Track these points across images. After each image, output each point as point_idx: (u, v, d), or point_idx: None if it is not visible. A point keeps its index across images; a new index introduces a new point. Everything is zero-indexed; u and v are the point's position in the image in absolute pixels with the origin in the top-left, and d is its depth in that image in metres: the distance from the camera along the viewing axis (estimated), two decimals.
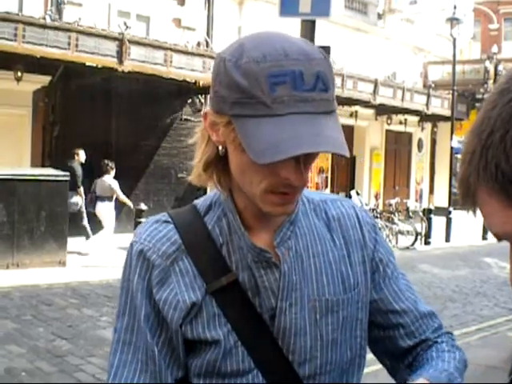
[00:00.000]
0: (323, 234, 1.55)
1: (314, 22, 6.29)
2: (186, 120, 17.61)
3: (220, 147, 1.39)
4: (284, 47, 1.28)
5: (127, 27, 14.66)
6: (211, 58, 16.19)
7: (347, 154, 1.27)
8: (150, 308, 1.47)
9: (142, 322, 1.47)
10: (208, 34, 18.15)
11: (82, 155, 14.15)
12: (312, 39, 6.20)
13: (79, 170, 13.87)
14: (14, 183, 12.20)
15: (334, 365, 1.52)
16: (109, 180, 13.97)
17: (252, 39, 1.33)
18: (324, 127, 1.26)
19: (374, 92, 20.83)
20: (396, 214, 19.64)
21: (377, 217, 18.88)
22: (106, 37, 14.67)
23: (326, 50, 6.44)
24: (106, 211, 13.94)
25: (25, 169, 13.87)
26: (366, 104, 21.30)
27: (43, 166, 15.26)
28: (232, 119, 1.30)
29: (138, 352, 1.47)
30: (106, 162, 14.04)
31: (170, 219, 1.53)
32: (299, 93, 1.25)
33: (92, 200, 14.02)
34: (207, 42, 17.86)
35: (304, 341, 1.48)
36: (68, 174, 12.70)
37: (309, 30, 6.20)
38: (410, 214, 20.59)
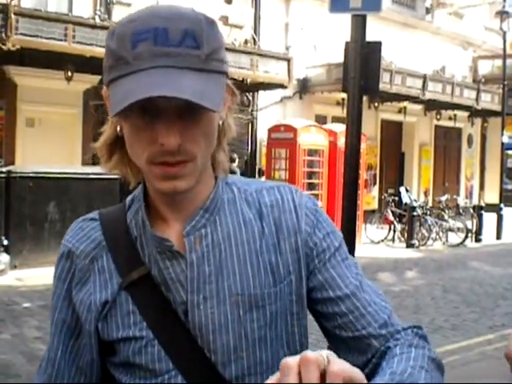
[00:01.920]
0: (251, 223, 1.42)
1: (364, 17, 6.22)
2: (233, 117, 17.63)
3: (118, 127, 1.32)
4: (156, 9, 1.25)
5: None
6: (259, 55, 16.22)
7: (207, 105, 1.18)
8: (65, 312, 1.43)
9: (54, 325, 1.45)
10: (255, 31, 18.16)
11: None
12: (363, 35, 6.15)
13: None
14: (66, 181, 12.41)
15: (266, 365, 1.38)
16: None
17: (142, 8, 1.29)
18: (183, 79, 1.19)
19: (423, 87, 20.60)
20: (446, 211, 19.41)
21: (426, 213, 18.71)
22: None
23: (378, 45, 6.40)
24: None
25: (76, 167, 14.06)
26: (414, 99, 21.07)
27: (94, 164, 15.45)
28: (109, 86, 1.26)
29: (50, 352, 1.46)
30: None
31: (97, 216, 1.47)
32: (159, 48, 1.20)
33: None
34: (254, 40, 17.86)
35: (226, 339, 1.34)
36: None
37: (359, 25, 6.13)
38: (461, 210, 20.35)
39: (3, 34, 12.34)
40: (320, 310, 1.41)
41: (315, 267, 1.41)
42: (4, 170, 12.41)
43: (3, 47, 12.36)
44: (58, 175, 12.37)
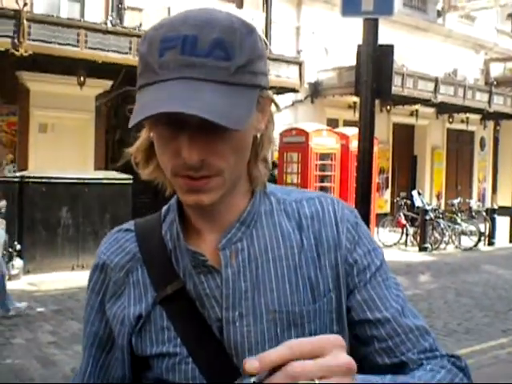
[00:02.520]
0: (290, 236, 1.34)
1: (376, 21, 6.22)
2: None
3: (151, 133, 1.27)
4: (188, 14, 1.19)
5: None
6: (270, 59, 16.21)
7: (225, 123, 1.09)
8: (97, 325, 1.40)
9: (86, 338, 1.43)
10: (266, 35, 18.17)
11: None
12: (375, 38, 6.14)
13: None
14: (78, 186, 12.46)
15: None
16: None
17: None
18: (205, 93, 1.12)
19: (435, 90, 20.54)
20: (459, 214, 19.35)
21: (439, 217, 18.66)
22: None
23: (390, 48, 6.39)
24: None
25: (89, 172, 14.11)
26: (426, 103, 21.01)
27: (106, 169, 15.49)
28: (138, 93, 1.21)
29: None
30: None
31: (132, 227, 1.42)
32: (186, 57, 1.13)
33: None
34: (266, 44, 17.88)
35: None
36: (131, 176, 12.89)
37: (371, 28, 6.13)
38: (473, 214, 20.27)
39: (16, 40, 12.40)
40: (357, 332, 1.34)
41: (355, 286, 1.34)
42: (17, 175, 12.50)
43: (16, 53, 12.42)
44: (71, 180, 12.42)
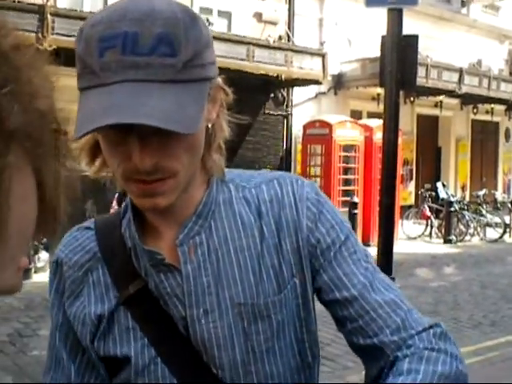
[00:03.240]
0: (250, 224, 1.29)
1: (400, 11, 6.16)
2: (268, 114, 17.63)
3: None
4: (127, 7, 1.09)
5: (210, 23, 14.78)
6: (293, 51, 16.18)
7: (176, 129, 1.03)
8: (65, 323, 1.34)
9: (57, 340, 1.35)
10: (289, 27, 18.11)
11: None
12: (399, 29, 6.10)
13: None
14: (103, 180, 12.52)
15: (278, 378, 1.28)
16: None
17: (111, 4, 1.14)
18: (152, 97, 1.05)
19: (460, 81, 20.37)
20: (484, 206, 19.21)
21: (464, 209, 18.56)
22: None
23: (414, 38, 6.35)
24: None
25: None
26: (451, 94, 20.85)
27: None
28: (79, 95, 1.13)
29: (63, 372, 1.34)
30: None
31: (92, 225, 1.37)
32: (129, 57, 1.05)
33: None
34: (288, 36, 17.83)
35: (232, 354, 1.25)
36: None
37: (396, 19, 6.08)
38: (498, 205, 20.12)
39: (40, 35, 12.47)
40: (331, 312, 1.31)
41: (320, 266, 1.29)
42: None
43: (40, 47, 12.45)
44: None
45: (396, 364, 1.19)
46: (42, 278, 10.99)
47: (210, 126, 1.24)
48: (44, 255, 11.78)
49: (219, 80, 1.25)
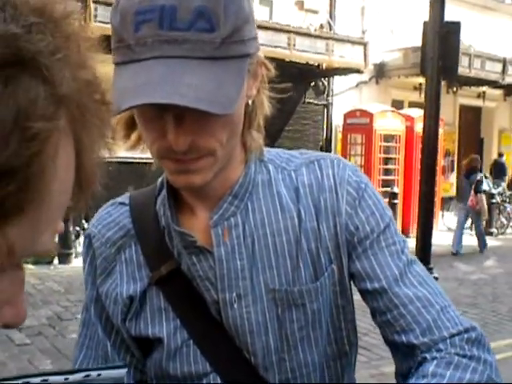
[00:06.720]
0: (289, 207, 1.25)
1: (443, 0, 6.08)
2: (309, 103, 17.57)
3: None
4: None
5: None
6: (334, 40, 16.08)
7: (212, 110, 1.00)
8: (100, 299, 1.32)
9: (93, 315, 1.33)
10: (331, 16, 18.00)
11: None
12: (441, 15, 6.03)
13: None
14: (144, 166, 12.60)
15: (313, 366, 1.25)
16: None
17: None
18: (188, 75, 1.01)
19: (503, 71, 20.05)
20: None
21: (506, 201, 18.30)
22: None
23: (457, 25, 6.27)
24: None
25: None
26: (494, 84, 20.54)
27: None
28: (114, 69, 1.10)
29: (98, 347, 1.32)
30: None
31: (127, 200, 1.34)
32: (165, 32, 1.02)
33: None
34: (330, 25, 17.72)
35: (266, 340, 1.22)
36: None
37: (438, 5, 6.01)
38: None
39: (83, 22, 12.58)
40: (365, 302, 1.26)
41: (356, 254, 1.24)
42: None
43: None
44: (137, 160, 12.57)
45: (422, 365, 1.14)
46: (81, 262, 11.13)
47: (250, 102, 1.20)
48: None
49: (260, 55, 1.21)
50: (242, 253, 1.21)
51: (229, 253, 1.21)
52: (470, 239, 16.59)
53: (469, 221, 18.22)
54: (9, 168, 0.49)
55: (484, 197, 14.86)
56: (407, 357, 1.20)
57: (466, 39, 17.38)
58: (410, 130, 16.36)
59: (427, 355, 1.15)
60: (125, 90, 1.02)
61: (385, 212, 1.27)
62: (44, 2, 0.55)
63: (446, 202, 18.86)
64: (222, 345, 1.22)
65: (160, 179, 1.33)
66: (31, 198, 0.52)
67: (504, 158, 20.43)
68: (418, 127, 15.07)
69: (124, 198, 1.37)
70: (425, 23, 6.29)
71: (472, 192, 14.64)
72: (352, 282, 1.29)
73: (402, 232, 13.98)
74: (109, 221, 1.32)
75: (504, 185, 19.38)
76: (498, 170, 18.96)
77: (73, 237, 11.25)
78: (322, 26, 17.37)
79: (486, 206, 14.91)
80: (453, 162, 22.29)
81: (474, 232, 17.14)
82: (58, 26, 0.55)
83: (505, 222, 18.09)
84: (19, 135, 0.49)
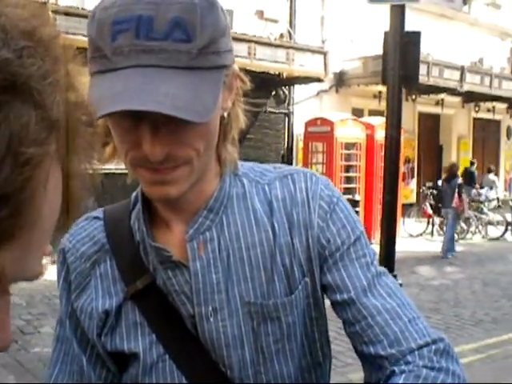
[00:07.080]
0: (263, 220, 1.25)
1: (403, 7, 6.18)
2: (269, 112, 17.62)
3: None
4: None
5: None
6: (295, 49, 16.16)
7: (189, 118, 1.00)
8: (75, 314, 1.30)
9: (68, 330, 1.31)
10: (291, 25, 18.09)
11: None
12: (402, 25, 6.12)
13: None
14: (103, 176, 12.54)
15: (288, 378, 1.26)
16: None
17: None
18: (165, 84, 1.01)
19: (461, 79, 20.35)
20: (485, 204, 19.18)
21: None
22: None
23: (417, 35, 6.36)
24: None
25: (114, 163, 14.18)
26: (452, 92, 20.83)
27: None
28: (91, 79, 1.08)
29: (74, 362, 1.30)
30: None
31: (101, 215, 1.33)
32: (142, 41, 1.02)
33: None
34: (290, 34, 17.81)
35: (242, 354, 1.22)
36: None
37: (398, 15, 6.10)
38: (500, 203, 20.09)
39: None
40: (335, 313, 1.27)
41: (327, 266, 1.25)
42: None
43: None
44: (111, 171, 12.52)
45: (391, 379, 1.14)
46: (43, 276, 11.01)
47: (225, 115, 1.20)
48: None
49: (236, 68, 1.21)
50: (217, 266, 1.21)
51: (204, 267, 1.21)
52: (430, 245, 16.77)
53: (430, 227, 18.44)
54: (2, 194, 0.48)
55: (466, 200, 15.43)
56: (376, 368, 1.20)
57: (424, 47, 17.60)
58: (370, 138, 16.49)
59: (395, 368, 1.15)
60: (101, 98, 1.01)
61: (356, 225, 1.28)
62: (33, 24, 0.55)
63: (407, 208, 19.03)
64: (198, 359, 1.22)
65: (134, 193, 1.32)
66: (23, 224, 0.51)
67: (475, 167, 20.66)
68: (379, 135, 15.21)
69: (98, 212, 1.35)
70: (385, 33, 6.36)
71: (456, 195, 15.00)
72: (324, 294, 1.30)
73: None
74: (83, 235, 1.31)
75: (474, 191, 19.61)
76: (469, 178, 19.20)
77: None
78: (282, 36, 17.45)
79: (467, 208, 15.47)
80: (413, 168, 22.52)
81: (434, 237, 17.36)
82: (47, 50, 0.55)
83: (465, 227, 18.31)
84: (12, 161, 0.48)
